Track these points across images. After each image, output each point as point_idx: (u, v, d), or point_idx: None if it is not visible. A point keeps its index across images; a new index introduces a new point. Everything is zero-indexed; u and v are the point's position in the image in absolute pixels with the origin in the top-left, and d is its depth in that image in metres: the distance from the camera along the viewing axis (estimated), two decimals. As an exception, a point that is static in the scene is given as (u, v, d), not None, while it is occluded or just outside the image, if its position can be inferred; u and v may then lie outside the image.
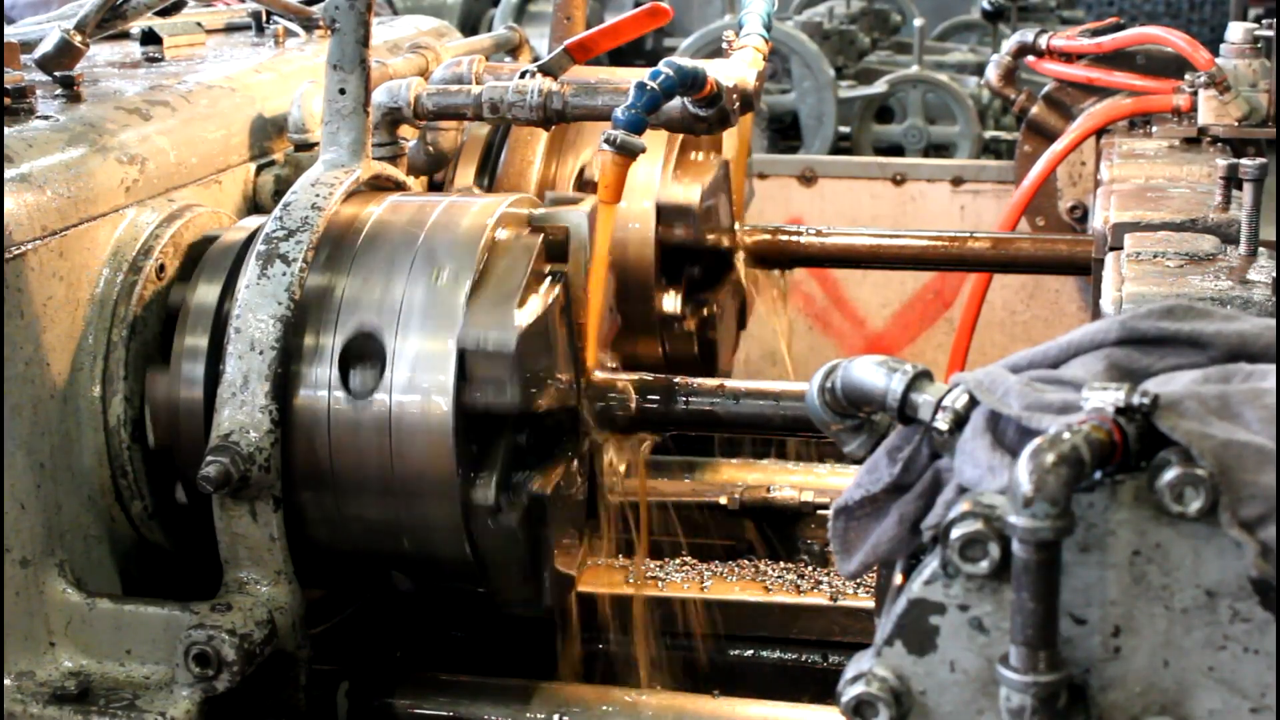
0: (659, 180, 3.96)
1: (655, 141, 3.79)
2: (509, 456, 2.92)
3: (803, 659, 3.72)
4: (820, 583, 3.81)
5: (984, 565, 1.68)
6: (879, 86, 8.26)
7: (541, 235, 3.03)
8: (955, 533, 1.67)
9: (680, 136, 4.06)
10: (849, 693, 1.77)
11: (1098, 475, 1.68)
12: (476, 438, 2.88)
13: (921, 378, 1.87)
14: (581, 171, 4.00)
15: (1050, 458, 1.60)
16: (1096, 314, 2.76)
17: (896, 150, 8.17)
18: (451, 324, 2.81)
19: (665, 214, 3.98)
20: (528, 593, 2.98)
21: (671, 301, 4.08)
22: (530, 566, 2.94)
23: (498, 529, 2.87)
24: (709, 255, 4.26)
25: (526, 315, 2.86)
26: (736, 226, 4.48)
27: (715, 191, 4.14)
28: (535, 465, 3.01)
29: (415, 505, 2.85)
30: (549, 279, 3.03)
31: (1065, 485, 1.60)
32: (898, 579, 1.95)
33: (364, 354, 2.85)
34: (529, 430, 3.02)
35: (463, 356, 2.80)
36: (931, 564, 1.73)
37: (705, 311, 4.23)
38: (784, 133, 8.35)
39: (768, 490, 4.13)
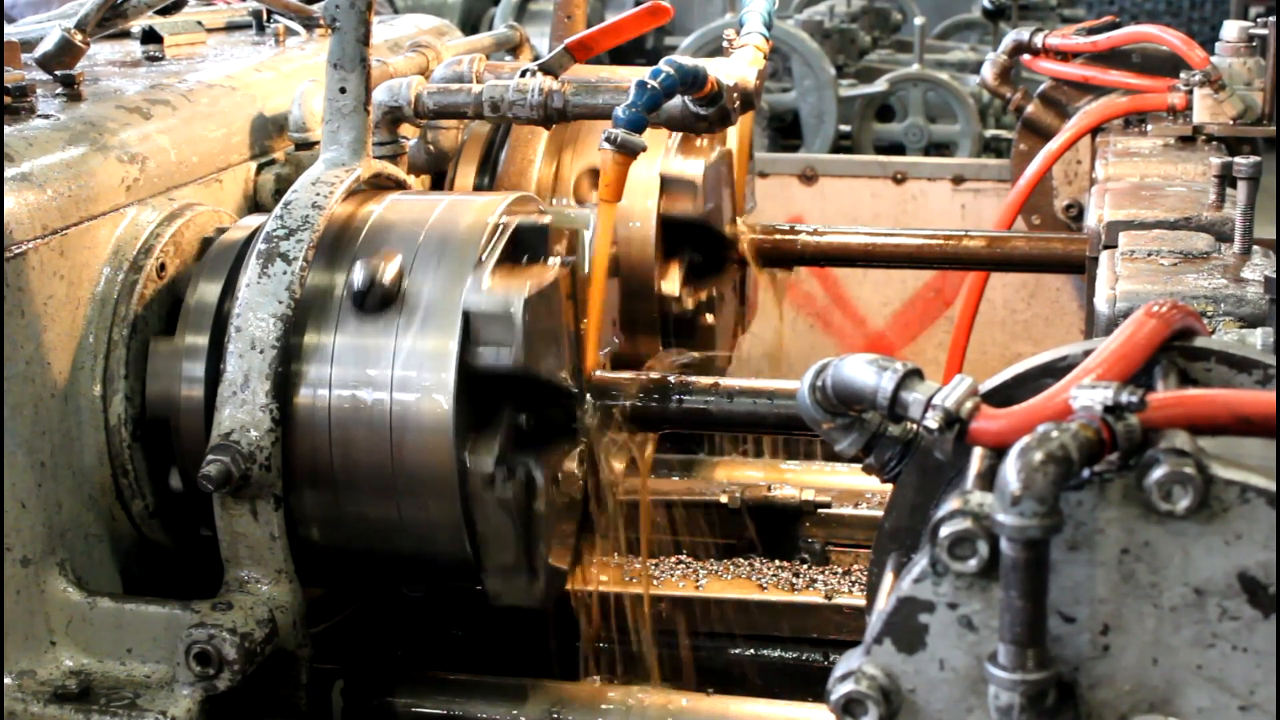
0: (662, 155, 3.97)
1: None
2: (509, 433, 2.92)
3: (801, 657, 3.72)
4: (815, 581, 3.82)
5: (973, 563, 1.69)
6: (880, 85, 8.28)
7: (550, 218, 3.06)
8: (944, 531, 1.68)
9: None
10: (838, 691, 1.77)
11: (1086, 474, 1.69)
12: (479, 408, 2.88)
13: (912, 376, 1.87)
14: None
15: (1038, 456, 1.61)
16: (1091, 312, 2.77)
17: (897, 149, 8.20)
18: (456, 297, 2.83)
19: (669, 185, 3.98)
20: (520, 582, 2.95)
21: (671, 282, 4.09)
22: (524, 551, 2.92)
23: (493, 503, 2.86)
24: (710, 238, 4.27)
25: (534, 282, 2.87)
26: (738, 220, 4.49)
27: (718, 172, 4.15)
28: (536, 452, 3.01)
29: (415, 503, 2.86)
30: (558, 261, 3.05)
31: (1053, 484, 1.60)
32: (888, 577, 1.96)
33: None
34: (530, 415, 3.03)
35: (468, 319, 2.82)
36: (921, 562, 1.73)
37: (704, 295, 4.24)
38: (785, 131, 8.37)
39: (768, 489, 4.13)
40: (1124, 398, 1.70)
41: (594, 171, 3.96)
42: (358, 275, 2.85)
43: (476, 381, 2.86)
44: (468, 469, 2.83)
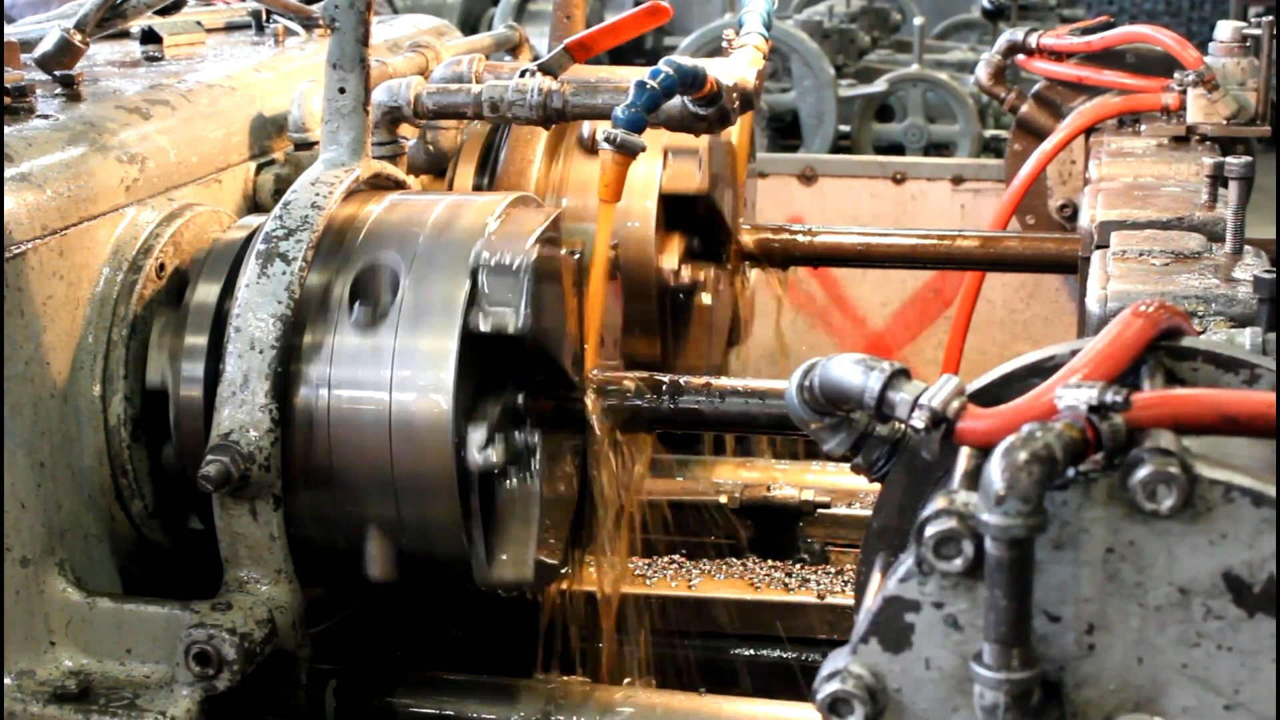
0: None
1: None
2: (505, 411, 2.94)
3: (798, 657, 3.73)
4: (808, 580, 3.83)
5: (958, 563, 1.69)
6: (879, 85, 8.30)
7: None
8: (929, 530, 1.69)
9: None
10: (824, 690, 1.77)
11: (1071, 473, 1.70)
12: (478, 376, 2.89)
13: (899, 375, 1.88)
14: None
15: (1022, 456, 1.61)
16: (1083, 312, 2.78)
17: (897, 149, 8.21)
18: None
19: (671, 157, 3.97)
20: (512, 564, 2.95)
21: (670, 256, 4.08)
22: (515, 532, 2.93)
23: (485, 466, 2.86)
24: (709, 220, 4.28)
25: (540, 247, 2.90)
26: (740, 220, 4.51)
27: (721, 153, 4.14)
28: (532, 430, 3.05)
29: (415, 502, 2.87)
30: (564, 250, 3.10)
31: (1038, 483, 1.61)
32: (876, 576, 1.97)
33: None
34: (529, 396, 3.05)
35: (475, 276, 2.84)
36: (906, 561, 1.74)
37: (701, 275, 4.24)
38: (784, 131, 8.39)
39: (768, 489, 4.14)
40: (1109, 397, 1.70)
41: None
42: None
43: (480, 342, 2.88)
44: (464, 437, 2.84)
